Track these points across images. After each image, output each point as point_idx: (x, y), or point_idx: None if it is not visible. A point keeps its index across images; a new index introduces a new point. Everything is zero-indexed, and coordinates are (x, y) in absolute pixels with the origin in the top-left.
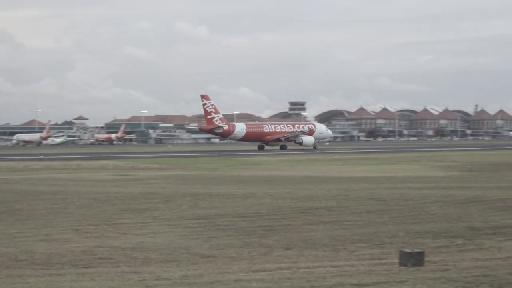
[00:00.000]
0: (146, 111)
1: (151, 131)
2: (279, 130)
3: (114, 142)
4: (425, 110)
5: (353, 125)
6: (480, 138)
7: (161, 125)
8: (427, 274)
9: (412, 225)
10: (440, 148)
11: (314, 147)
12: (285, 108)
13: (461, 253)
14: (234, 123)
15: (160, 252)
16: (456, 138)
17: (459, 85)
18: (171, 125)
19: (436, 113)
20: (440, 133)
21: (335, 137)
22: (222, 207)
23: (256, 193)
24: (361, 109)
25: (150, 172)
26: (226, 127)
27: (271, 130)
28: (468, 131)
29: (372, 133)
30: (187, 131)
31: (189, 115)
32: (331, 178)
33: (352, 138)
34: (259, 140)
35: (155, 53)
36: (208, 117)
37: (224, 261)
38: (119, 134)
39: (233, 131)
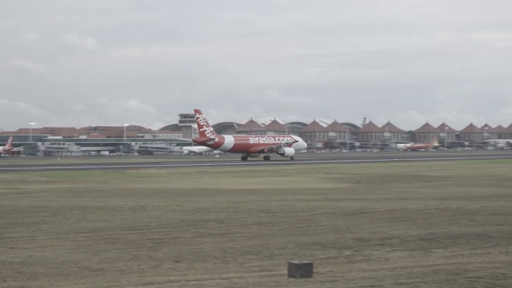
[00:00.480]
0: (34, 124)
1: (39, 143)
2: (263, 142)
3: (2, 155)
4: (314, 123)
5: None
6: (369, 150)
7: (50, 137)
8: (316, 285)
9: (302, 237)
10: (329, 160)
11: (291, 158)
12: (175, 120)
13: (350, 264)
14: (223, 135)
15: (48, 266)
16: (345, 150)
17: (347, 98)
18: (60, 137)
19: (325, 125)
20: (329, 145)
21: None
22: (111, 220)
23: (145, 206)
24: (251, 122)
25: (38, 185)
26: (216, 139)
27: (255, 142)
28: (357, 144)
29: None
30: (76, 144)
31: (78, 127)
32: (221, 191)
33: None
34: (245, 151)
35: (43, 64)
36: (201, 130)
37: (113, 274)
38: (6, 147)
39: (222, 143)
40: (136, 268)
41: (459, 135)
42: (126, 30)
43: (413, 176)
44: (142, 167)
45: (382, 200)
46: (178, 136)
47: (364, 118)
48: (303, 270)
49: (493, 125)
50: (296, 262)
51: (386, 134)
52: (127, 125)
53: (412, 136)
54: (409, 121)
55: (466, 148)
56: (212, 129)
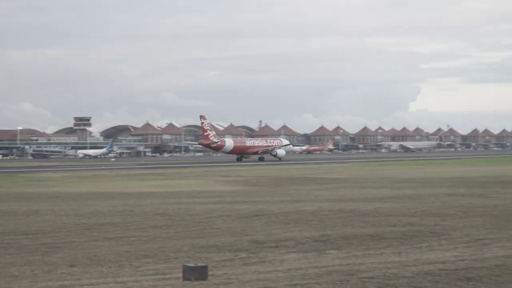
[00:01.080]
0: None
1: None
2: (257, 144)
3: None
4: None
5: (139, 140)
6: None
7: None
8: (210, 287)
9: (197, 240)
10: (226, 163)
11: (280, 159)
12: (70, 123)
13: (245, 266)
14: (224, 139)
15: None
16: None
17: (243, 101)
18: None
19: (221, 128)
20: None
21: (121, 153)
22: (3, 225)
23: (39, 210)
24: (147, 125)
25: None
26: (219, 142)
27: (251, 145)
28: None
29: (158, 149)
30: None
31: None
32: (117, 194)
33: (138, 153)
34: (243, 153)
35: None
36: (205, 133)
37: (6, 280)
38: None
39: (224, 146)
40: (29, 273)
41: (353, 137)
42: (17, 32)
43: (309, 178)
44: (37, 171)
45: (278, 202)
46: (73, 139)
47: (260, 121)
48: (198, 273)
49: (387, 128)
50: (191, 265)
51: (282, 137)
52: (20, 128)
53: (307, 139)
54: (305, 124)
55: (361, 151)
56: (214, 133)
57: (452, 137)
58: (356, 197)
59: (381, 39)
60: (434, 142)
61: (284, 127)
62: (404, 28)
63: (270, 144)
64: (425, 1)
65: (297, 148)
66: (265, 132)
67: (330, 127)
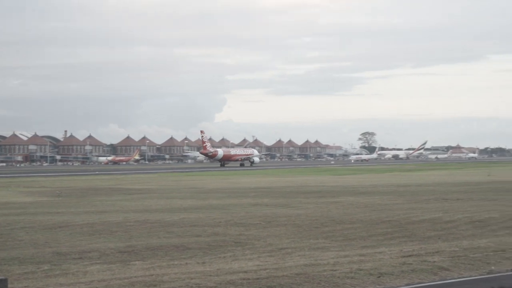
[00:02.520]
0: None
1: None
2: (239, 153)
3: None
4: (14, 136)
5: None
6: (70, 163)
7: None
8: None
9: None
10: (29, 174)
11: (251, 164)
12: None
13: (47, 279)
14: (216, 149)
15: None
16: (46, 164)
17: (48, 110)
18: None
19: (25, 138)
20: (29, 158)
21: None
22: None
23: None
24: None
25: None
26: (214, 151)
27: (235, 154)
28: (58, 157)
29: None
30: None
31: None
32: None
33: None
34: (229, 160)
35: None
36: (204, 144)
37: None
38: None
39: (217, 154)
40: None
41: (160, 148)
42: None
43: (114, 189)
44: None
45: (82, 213)
46: None
47: (65, 131)
48: None
49: (193, 138)
50: None
51: (88, 147)
52: None
53: (113, 149)
54: (110, 134)
55: (167, 161)
56: (210, 144)
57: (257, 148)
58: (162, 207)
59: (187, 50)
60: None
61: (90, 137)
62: (210, 40)
63: (247, 153)
64: (231, 13)
65: (103, 159)
66: (70, 142)
67: (136, 137)
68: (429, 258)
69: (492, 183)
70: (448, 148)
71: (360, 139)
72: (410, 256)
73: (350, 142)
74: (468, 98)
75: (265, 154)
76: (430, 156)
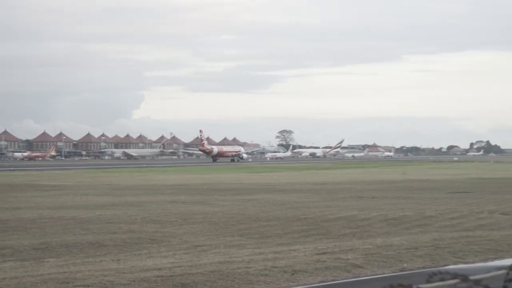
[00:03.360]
0: None
1: None
2: (230, 150)
3: None
4: None
5: None
6: None
7: None
8: None
9: None
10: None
11: (238, 160)
12: None
13: None
14: (212, 147)
15: None
16: None
17: None
18: None
19: None
20: None
21: None
22: None
23: None
24: None
25: None
26: (210, 148)
27: (226, 151)
28: None
29: None
30: None
31: None
32: None
33: None
34: (222, 157)
35: None
36: (202, 142)
37: None
38: None
39: (213, 151)
40: None
41: (76, 144)
42: None
43: (30, 185)
44: None
45: None
46: None
47: None
48: None
49: (110, 135)
50: None
51: (2, 143)
52: None
53: (29, 145)
54: (26, 130)
55: (84, 158)
56: (207, 142)
57: (175, 145)
58: (78, 204)
59: (104, 46)
60: (157, 150)
61: (5, 132)
62: (128, 36)
63: (236, 150)
64: (148, 9)
65: (18, 155)
66: None
67: (52, 133)
68: (343, 256)
69: (406, 181)
70: (364, 147)
71: (278, 137)
72: (324, 253)
73: (268, 140)
74: (384, 98)
75: (183, 151)
76: (346, 154)
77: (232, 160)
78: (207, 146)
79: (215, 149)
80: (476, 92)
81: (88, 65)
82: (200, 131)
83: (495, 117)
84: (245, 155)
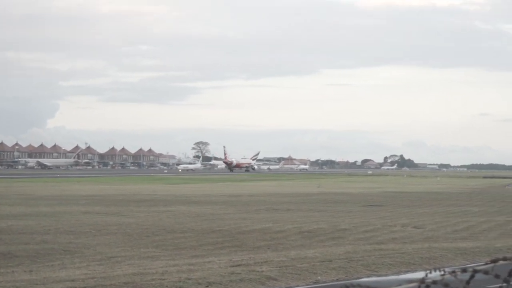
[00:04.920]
0: None
1: None
2: (244, 162)
3: None
4: None
5: None
6: None
7: None
8: None
9: None
10: None
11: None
12: None
13: None
14: (232, 159)
15: None
16: None
17: None
18: None
19: None
20: None
21: None
22: None
23: None
24: None
25: None
26: (231, 161)
27: (242, 163)
28: None
29: None
30: None
31: None
32: None
33: None
34: (238, 167)
35: None
36: (225, 155)
37: None
38: None
39: (233, 163)
40: None
41: None
42: None
43: None
44: None
45: None
46: None
47: None
48: None
49: (24, 144)
50: None
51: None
52: None
53: None
54: None
55: None
56: (228, 155)
57: (89, 155)
58: None
59: (18, 54)
60: (71, 160)
61: None
62: (42, 44)
63: (250, 163)
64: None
65: None
66: None
67: None
68: (257, 268)
69: (321, 194)
70: (280, 160)
71: (194, 148)
72: (239, 265)
73: (184, 151)
74: (300, 111)
75: (98, 162)
76: (262, 167)
77: (247, 170)
78: (229, 159)
79: (234, 161)
80: (390, 106)
81: (4, 73)
82: (224, 146)
83: (409, 131)
84: (256, 166)
